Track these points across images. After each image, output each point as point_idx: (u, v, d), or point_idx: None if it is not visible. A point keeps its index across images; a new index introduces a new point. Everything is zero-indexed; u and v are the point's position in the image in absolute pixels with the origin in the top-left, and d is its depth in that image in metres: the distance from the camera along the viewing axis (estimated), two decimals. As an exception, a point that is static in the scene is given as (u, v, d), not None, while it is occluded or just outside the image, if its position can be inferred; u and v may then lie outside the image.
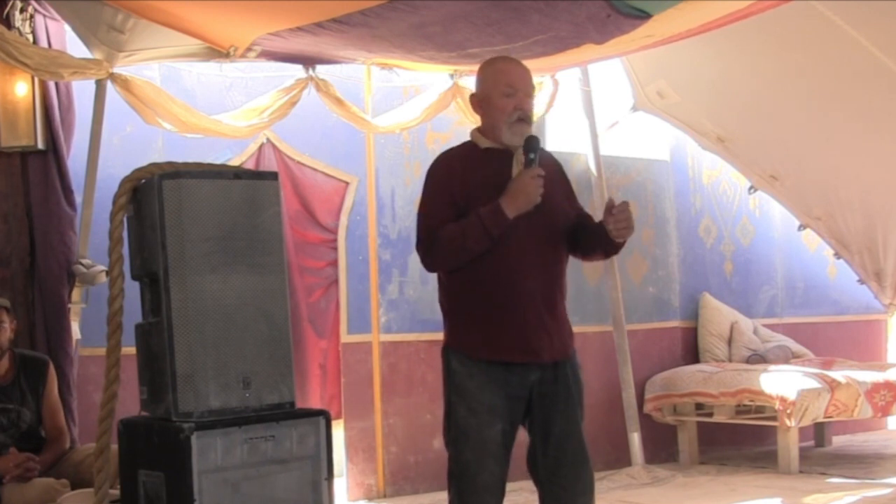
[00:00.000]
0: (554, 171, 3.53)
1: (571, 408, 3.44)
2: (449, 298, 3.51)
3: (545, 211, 3.39)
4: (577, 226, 3.55)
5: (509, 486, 3.47)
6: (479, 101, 3.52)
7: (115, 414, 3.36)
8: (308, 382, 6.05)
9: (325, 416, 3.35)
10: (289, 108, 5.57)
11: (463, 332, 3.45)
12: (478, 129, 3.55)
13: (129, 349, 3.34)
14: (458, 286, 3.45)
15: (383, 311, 6.30)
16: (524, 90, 3.45)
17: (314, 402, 5.99)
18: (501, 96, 3.43)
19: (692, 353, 7.58)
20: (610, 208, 3.41)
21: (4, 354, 4.44)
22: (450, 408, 3.44)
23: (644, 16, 4.79)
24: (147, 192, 3.25)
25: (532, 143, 3.38)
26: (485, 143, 3.49)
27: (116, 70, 5.01)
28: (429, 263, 3.47)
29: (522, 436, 3.49)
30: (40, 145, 4.98)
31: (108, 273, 3.77)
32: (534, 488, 3.51)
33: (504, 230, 3.32)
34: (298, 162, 6.09)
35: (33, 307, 5.00)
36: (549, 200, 3.40)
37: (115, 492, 3.51)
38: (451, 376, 3.45)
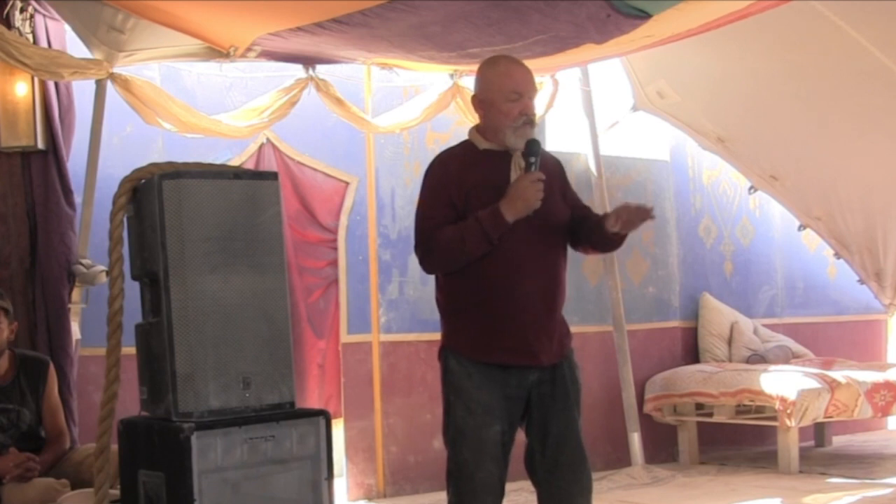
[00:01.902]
0: (553, 171, 3.52)
1: (569, 408, 3.44)
2: (447, 299, 3.50)
3: (545, 213, 3.38)
4: (579, 218, 3.54)
5: (509, 485, 3.47)
6: (481, 102, 3.48)
7: (115, 414, 3.36)
8: (306, 382, 6.05)
9: (325, 416, 3.35)
10: (289, 108, 5.57)
11: (461, 334, 3.45)
12: (476, 129, 3.52)
13: (129, 349, 3.34)
14: (457, 287, 3.44)
15: (383, 311, 6.30)
16: (528, 94, 3.43)
17: (312, 402, 5.99)
18: (506, 101, 3.40)
19: (692, 353, 7.58)
20: (625, 210, 3.44)
21: (2, 355, 4.43)
22: (448, 407, 3.44)
23: (644, 16, 4.79)
24: (147, 192, 3.25)
25: (533, 147, 3.37)
26: (483, 144, 3.47)
27: (116, 70, 5.02)
28: (427, 266, 3.46)
29: (521, 435, 3.49)
30: (40, 145, 4.97)
31: (108, 273, 3.77)
32: (534, 488, 3.51)
33: (503, 234, 3.31)
34: (298, 162, 6.09)
35: (33, 307, 5.00)
36: (549, 203, 3.39)
37: (115, 492, 3.51)
38: (449, 376, 3.45)
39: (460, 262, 3.37)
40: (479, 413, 3.36)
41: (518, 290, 3.36)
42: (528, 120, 3.41)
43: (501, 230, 3.30)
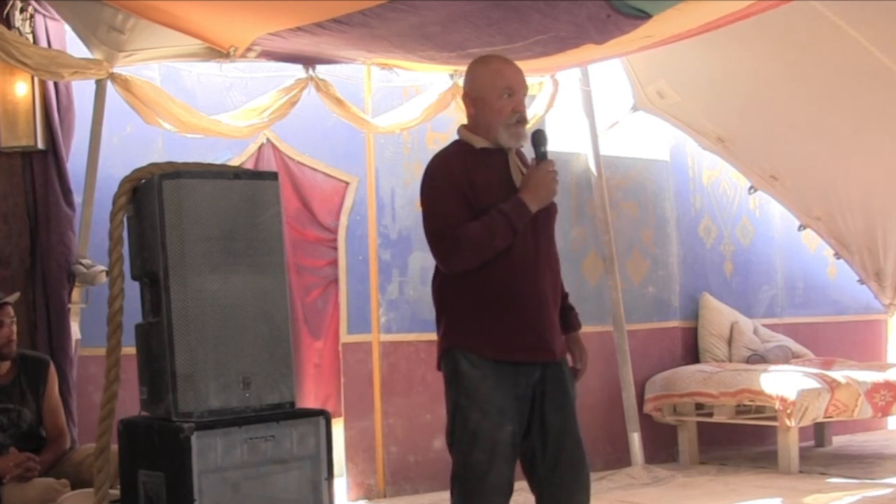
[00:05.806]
0: None
1: (569, 405, 3.45)
2: (457, 299, 3.43)
3: (548, 210, 3.44)
4: None
5: (509, 485, 3.46)
6: (473, 100, 3.47)
7: (115, 414, 3.36)
8: (303, 382, 6.04)
9: (325, 416, 3.36)
10: (289, 108, 5.57)
11: (474, 333, 3.39)
12: (466, 127, 3.50)
13: (129, 349, 3.34)
14: (471, 286, 3.37)
15: (383, 311, 6.30)
16: (520, 92, 3.44)
17: (308, 402, 5.97)
18: (499, 98, 3.40)
19: (692, 353, 7.58)
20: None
21: (9, 350, 4.41)
22: (457, 410, 3.39)
23: (644, 16, 4.79)
24: (147, 192, 3.26)
25: (540, 138, 3.42)
26: (480, 142, 3.45)
27: (116, 70, 5.02)
28: (452, 264, 3.37)
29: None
30: (40, 145, 4.98)
31: (108, 273, 3.77)
32: (532, 490, 3.49)
33: (525, 225, 3.34)
34: (298, 162, 6.09)
35: (34, 307, 5.00)
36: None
37: (115, 492, 3.51)
38: (461, 379, 3.38)
39: (487, 257, 3.34)
40: (494, 414, 3.34)
41: (535, 286, 3.38)
42: (521, 118, 3.42)
43: (525, 221, 3.33)
